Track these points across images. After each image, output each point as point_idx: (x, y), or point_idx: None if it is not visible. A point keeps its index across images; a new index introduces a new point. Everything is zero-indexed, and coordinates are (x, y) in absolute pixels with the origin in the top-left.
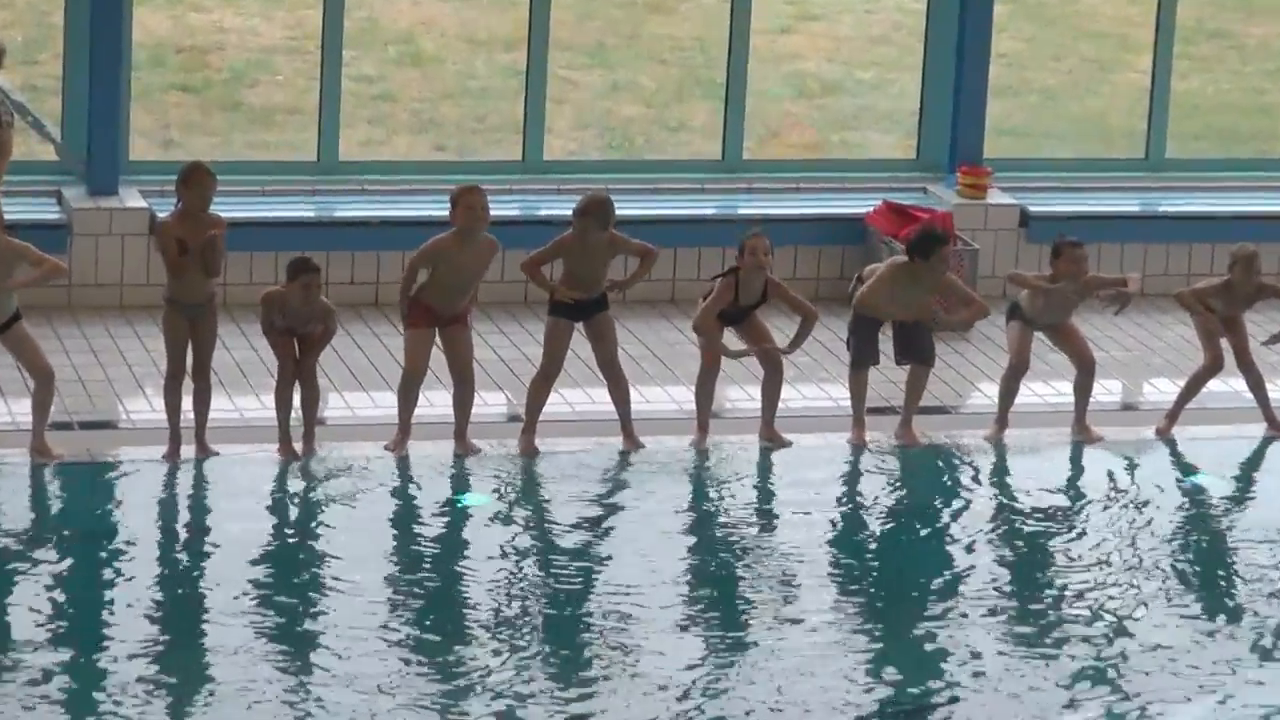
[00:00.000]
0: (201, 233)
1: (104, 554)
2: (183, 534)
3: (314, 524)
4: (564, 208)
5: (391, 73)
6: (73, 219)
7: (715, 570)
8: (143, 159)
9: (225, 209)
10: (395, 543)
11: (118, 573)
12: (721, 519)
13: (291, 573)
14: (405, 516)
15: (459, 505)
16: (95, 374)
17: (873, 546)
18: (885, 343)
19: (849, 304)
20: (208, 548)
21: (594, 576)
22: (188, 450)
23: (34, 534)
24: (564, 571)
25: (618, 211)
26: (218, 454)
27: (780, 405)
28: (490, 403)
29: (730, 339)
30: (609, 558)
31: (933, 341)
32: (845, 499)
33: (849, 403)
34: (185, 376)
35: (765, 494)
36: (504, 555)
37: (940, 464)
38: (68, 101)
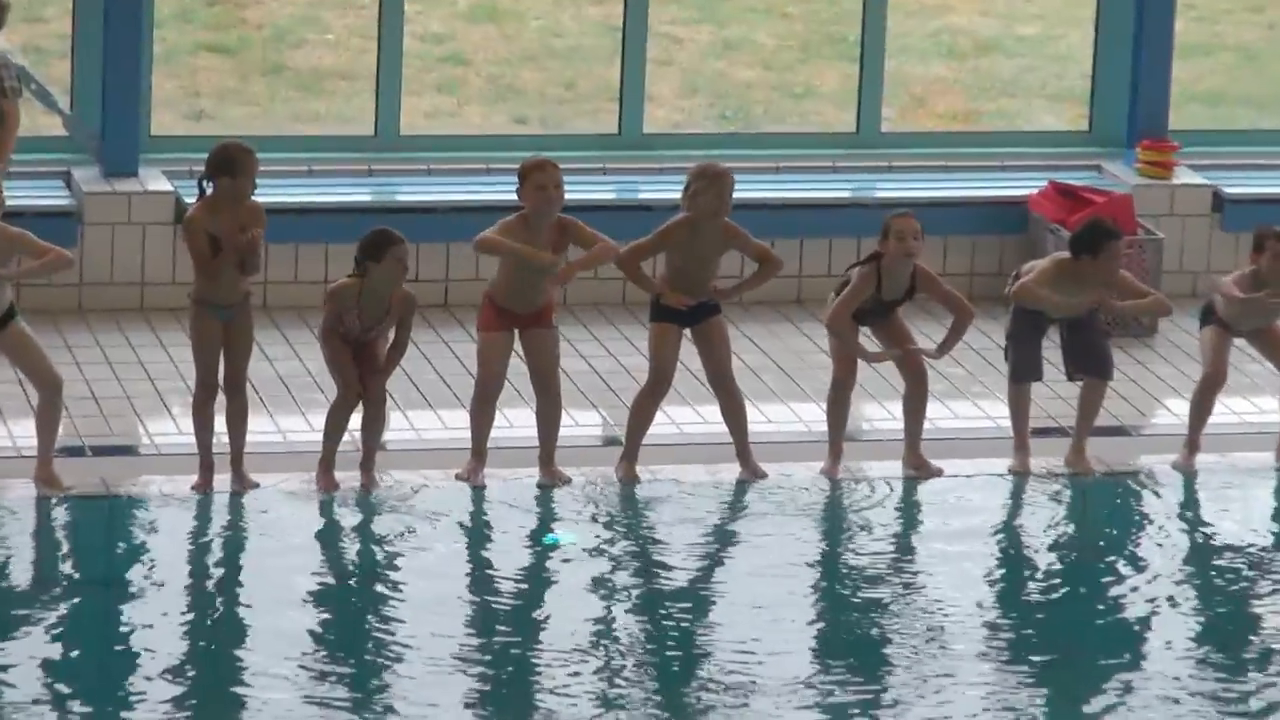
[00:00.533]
0: (237, 227)
1: (121, 604)
2: (216, 581)
3: (373, 569)
4: (668, 190)
5: (463, 30)
6: (84, 205)
7: (849, 626)
8: (167, 134)
9: (266, 193)
10: (469, 591)
11: (136, 627)
12: (857, 563)
13: (346, 628)
14: (481, 559)
15: (545, 545)
16: (111, 390)
17: (1039, 598)
18: (1052, 350)
19: (1006, 306)
20: (244, 597)
21: (704, 633)
22: (221, 480)
23: (39, 580)
24: (669, 626)
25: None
26: (257, 485)
27: (928, 425)
28: (582, 422)
29: (867, 342)
30: (722, 610)
31: (1109, 350)
32: (1005, 539)
33: (1009, 422)
34: (218, 391)
35: (910, 533)
36: (597, 605)
37: (1120, 496)
38: (78, 65)
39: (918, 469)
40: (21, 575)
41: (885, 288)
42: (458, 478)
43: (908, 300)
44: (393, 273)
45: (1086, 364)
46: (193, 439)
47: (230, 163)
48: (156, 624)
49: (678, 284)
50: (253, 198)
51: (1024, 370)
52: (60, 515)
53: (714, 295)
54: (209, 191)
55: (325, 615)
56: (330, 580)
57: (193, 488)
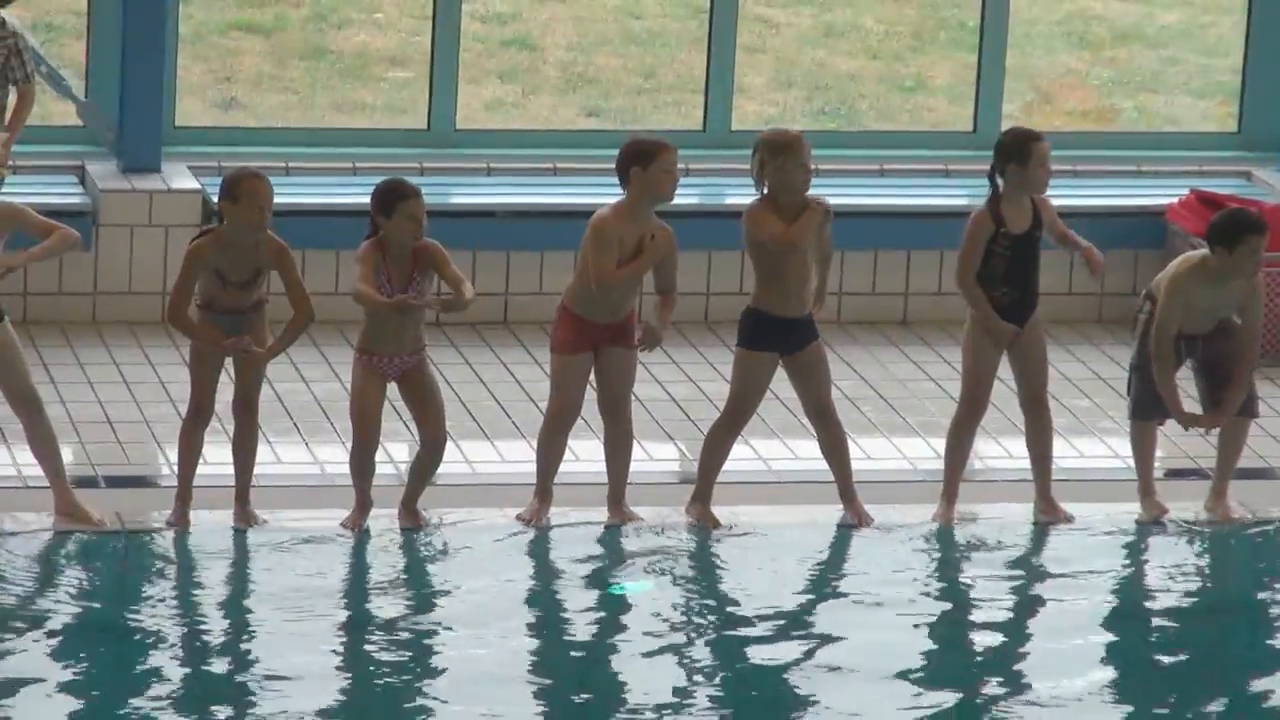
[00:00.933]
0: (249, 264)
1: (132, 649)
2: (238, 627)
3: (418, 622)
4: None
5: (529, 10)
6: (100, 204)
7: (962, 688)
8: (194, 125)
9: (307, 193)
10: (525, 649)
11: (150, 673)
12: (973, 618)
13: (386, 689)
14: (539, 612)
15: (612, 594)
16: (128, 413)
17: (1170, 659)
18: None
19: (1132, 332)
20: (269, 645)
21: (792, 700)
22: (211, 515)
23: (46, 623)
24: (748, 691)
25: (832, 201)
26: (264, 522)
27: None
28: (656, 456)
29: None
30: (816, 673)
31: (1253, 384)
32: (1136, 591)
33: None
34: (211, 416)
35: (1034, 582)
36: (668, 667)
37: (1263, 547)
38: (94, 46)
39: (1047, 514)
40: (28, 616)
41: (1011, 222)
42: (519, 519)
43: (1038, 232)
44: (405, 231)
45: (1225, 392)
46: (218, 468)
47: (232, 186)
48: (169, 669)
49: (772, 296)
50: (274, 235)
51: (1147, 405)
52: (70, 551)
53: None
54: (222, 221)
55: (361, 672)
56: (361, 631)
57: (168, 522)
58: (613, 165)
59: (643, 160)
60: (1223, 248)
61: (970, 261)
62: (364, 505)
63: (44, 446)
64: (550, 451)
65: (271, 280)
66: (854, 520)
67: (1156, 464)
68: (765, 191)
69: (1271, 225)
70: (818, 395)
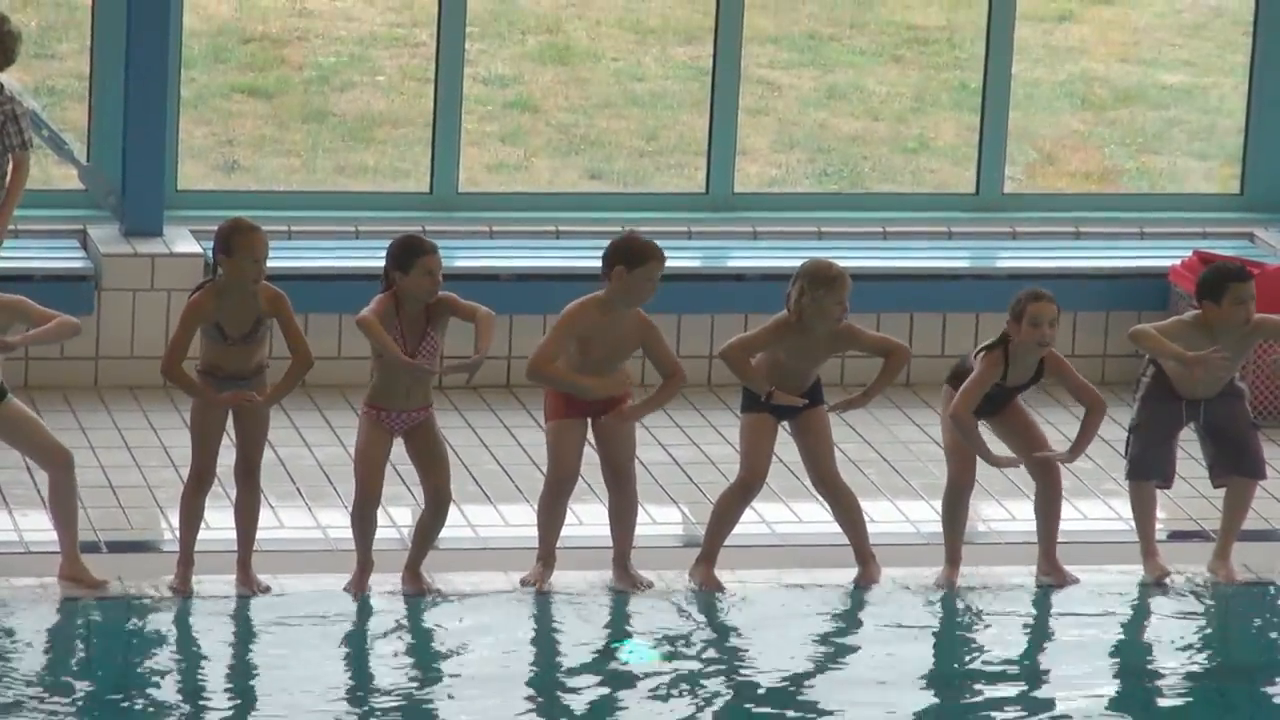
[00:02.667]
0: (248, 314)
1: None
2: (241, 697)
3: (421, 689)
4: (761, 256)
5: (531, 72)
6: (102, 268)
7: None
8: (196, 188)
9: (309, 256)
10: (535, 712)
11: None
12: (978, 680)
13: None
14: (547, 676)
15: (620, 661)
16: (130, 478)
17: None
18: (1191, 442)
19: (1134, 392)
20: (269, 714)
21: None
22: (213, 580)
23: (46, 692)
24: None
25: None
26: (268, 589)
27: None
28: (660, 520)
29: (988, 438)
30: None
31: (1259, 445)
32: (1139, 652)
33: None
34: (213, 482)
35: (1038, 644)
36: None
37: (1266, 611)
38: (96, 110)
39: (1051, 575)
40: (28, 681)
41: (1011, 374)
42: (523, 583)
43: (1032, 386)
44: (422, 287)
45: (1236, 463)
46: (222, 534)
47: (226, 239)
48: None
49: (782, 381)
50: (272, 285)
51: (1143, 466)
52: (69, 617)
53: (839, 409)
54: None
55: None
56: (366, 699)
57: (170, 588)
58: (616, 228)
59: (630, 262)
60: (1210, 301)
61: (973, 399)
62: (365, 566)
63: (63, 504)
64: (551, 518)
65: (272, 344)
66: (865, 582)
67: (1160, 526)
68: (794, 319)
69: (1276, 286)
70: (823, 465)
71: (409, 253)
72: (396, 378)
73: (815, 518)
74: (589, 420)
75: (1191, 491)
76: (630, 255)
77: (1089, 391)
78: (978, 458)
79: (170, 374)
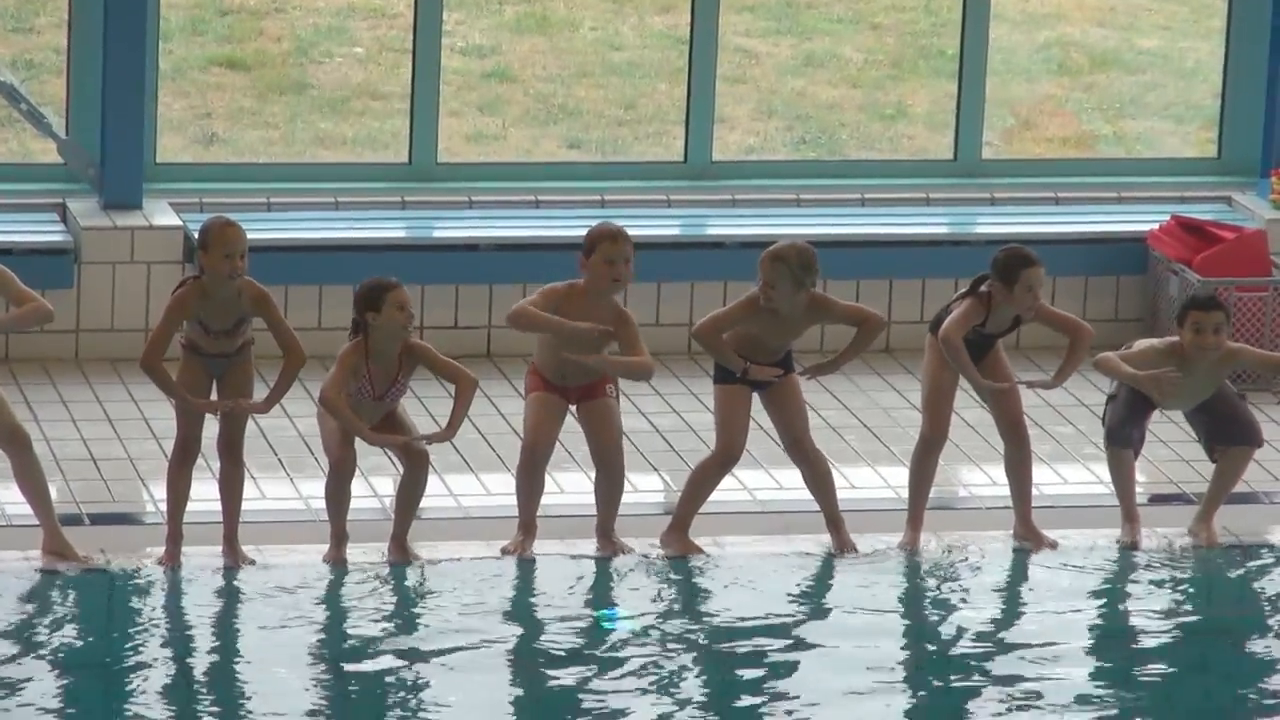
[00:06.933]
0: (230, 313)
1: (117, 693)
2: (223, 669)
3: (404, 658)
4: (739, 224)
5: (508, 42)
6: (81, 241)
7: (948, 711)
8: (175, 161)
9: (288, 228)
10: (512, 682)
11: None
12: (957, 643)
13: None
14: (526, 644)
15: (601, 626)
16: (111, 450)
17: (1151, 680)
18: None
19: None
20: (254, 685)
21: None
22: (202, 553)
23: (28, 665)
24: None
25: (814, 230)
26: (252, 562)
27: (1034, 491)
28: (642, 488)
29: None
30: (800, 704)
31: (1249, 412)
32: (1116, 620)
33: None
34: (198, 454)
35: (1016, 606)
36: (657, 694)
37: (1246, 573)
38: (75, 83)
39: (1028, 539)
40: (13, 655)
41: (990, 322)
42: (504, 551)
43: (1012, 332)
44: (396, 322)
45: (1231, 432)
46: (206, 506)
47: (203, 235)
48: (156, 709)
49: (756, 354)
50: (255, 283)
51: (1120, 434)
52: (55, 591)
53: (810, 374)
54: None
55: (348, 709)
56: (354, 669)
57: (158, 561)
58: (595, 197)
59: (586, 251)
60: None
61: (962, 326)
62: (340, 537)
63: (32, 482)
64: (529, 487)
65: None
66: (837, 549)
67: (1140, 489)
68: (763, 300)
69: (1252, 249)
70: (795, 432)
71: (377, 291)
72: (362, 411)
73: (794, 483)
74: (570, 407)
75: (1172, 455)
76: (587, 246)
77: (1069, 322)
78: (951, 419)
79: (150, 370)
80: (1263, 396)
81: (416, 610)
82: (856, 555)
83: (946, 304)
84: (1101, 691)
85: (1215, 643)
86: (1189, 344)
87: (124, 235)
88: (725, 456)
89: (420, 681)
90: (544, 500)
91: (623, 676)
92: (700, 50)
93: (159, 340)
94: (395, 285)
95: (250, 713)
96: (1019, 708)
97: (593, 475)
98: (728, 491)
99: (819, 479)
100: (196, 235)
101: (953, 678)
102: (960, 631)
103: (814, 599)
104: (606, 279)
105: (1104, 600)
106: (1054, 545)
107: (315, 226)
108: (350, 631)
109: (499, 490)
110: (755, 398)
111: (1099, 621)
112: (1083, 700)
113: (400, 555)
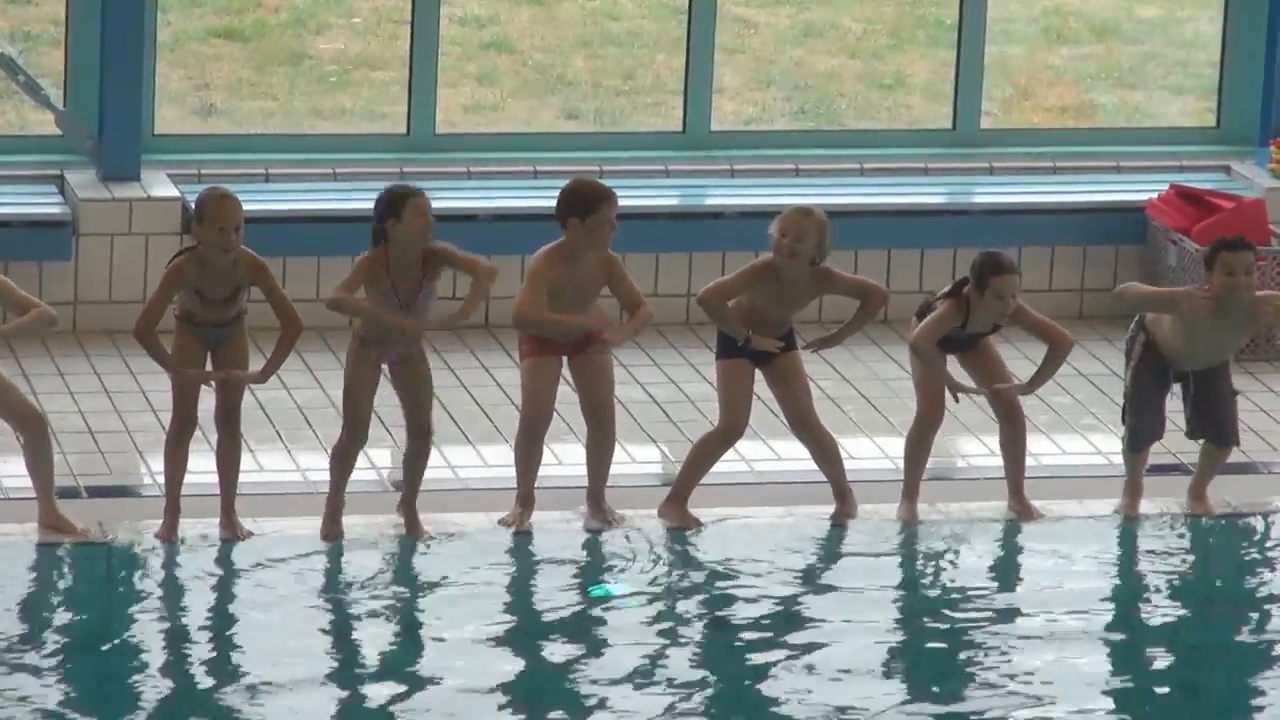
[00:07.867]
0: (227, 283)
1: (115, 666)
2: (223, 641)
3: (403, 629)
4: (737, 194)
5: (506, 13)
6: (79, 213)
7: (936, 684)
8: (173, 132)
9: (287, 199)
10: (509, 653)
11: (133, 692)
12: (949, 614)
13: (375, 697)
14: (523, 615)
15: (593, 596)
16: (110, 423)
17: (1149, 651)
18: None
19: (1127, 363)
20: (255, 658)
21: (777, 700)
22: (199, 526)
23: (25, 637)
24: (735, 694)
25: (813, 200)
26: (250, 534)
27: (1032, 462)
28: (639, 459)
29: (954, 371)
30: (800, 673)
31: (1234, 415)
32: (1109, 589)
33: (1121, 458)
34: (195, 426)
35: (1015, 576)
36: (656, 665)
37: (1244, 541)
38: (73, 54)
39: (1020, 511)
40: (10, 629)
41: (971, 323)
42: (501, 523)
43: (995, 332)
44: (417, 228)
45: (1208, 428)
46: (203, 478)
47: (199, 207)
48: (155, 682)
49: (758, 325)
50: (251, 252)
51: (1144, 437)
52: (53, 564)
53: (814, 348)
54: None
55: (349, 680)
56: (351, 640)
57: (157, 535)
58: (593, 167)
59: (582, 212)
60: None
61: (932, 334)
62: (337, 507)
63: (40, 465)
64: (528, 458)
65: (251, 290)
66: (841, 518)
67: None
68: (780, 258)
69: (1251, 218)
70: (799, 408)
71: (399, 197)
72: (385, 328)
73: (794, 455)
74: (564, 359)
75: (1171, 426)
76: (581, 206)
77: (1052, 330)
78: (946, 395)
79: (143, 338)
80: (1259, 366)
81: (416, 582)
82: (856, 521)
83: (930, 298)
84: (1097, 653)
85: (1210, 610)
86: (1220, 286)
87: (122, 207)
88: (729, 431)
89: (419, 653)
90: (541, 471)
91: (621, 647)
92: (698, 20)
93: (154, 309)
94: (418, 192)
95: (249, 685)
96: (1016, 678)
97: (586, 441)
98: (728, 462)
99: (826, 452)
100: (195, 206)
101: (950, 647)
102: (956, 602)
103: (812, 571)
104: (607, 238)
105: (1092, 572)
106: (1041, 516)
107: (314, 197)
108: (349, 603)
109: (497, 461)
110: (758, 374)
111: (1095, 590)
112: (1079, 672)
113: (412, 523)
